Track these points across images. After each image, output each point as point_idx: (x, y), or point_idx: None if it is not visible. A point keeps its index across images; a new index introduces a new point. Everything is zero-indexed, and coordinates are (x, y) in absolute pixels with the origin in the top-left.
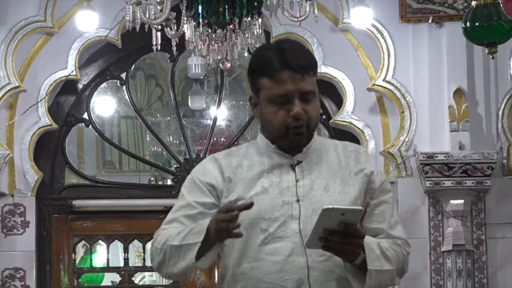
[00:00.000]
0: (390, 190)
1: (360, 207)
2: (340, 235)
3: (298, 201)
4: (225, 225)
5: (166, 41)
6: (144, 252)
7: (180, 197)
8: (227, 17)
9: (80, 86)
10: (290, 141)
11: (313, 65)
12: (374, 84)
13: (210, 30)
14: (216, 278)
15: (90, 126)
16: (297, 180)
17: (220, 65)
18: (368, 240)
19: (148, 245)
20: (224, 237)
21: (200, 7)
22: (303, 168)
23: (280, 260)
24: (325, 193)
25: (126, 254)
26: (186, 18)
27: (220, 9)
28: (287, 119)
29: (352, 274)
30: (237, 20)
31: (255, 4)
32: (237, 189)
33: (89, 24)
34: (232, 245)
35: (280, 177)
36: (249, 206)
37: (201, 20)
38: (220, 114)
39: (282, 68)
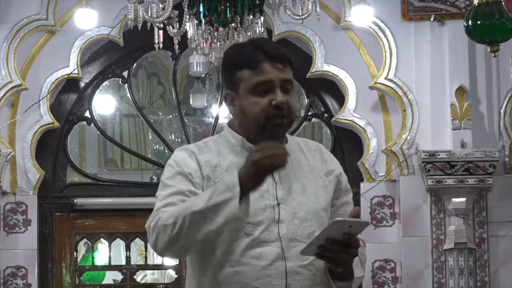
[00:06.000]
0: (351, 190)
1: (367, 221)
2: (341, 245)
3: (278, 204)
4: (271, 160)
5: (168, 39)
6: (146, 251)
7: (165, 187)
8: (228, 15)
9: (82, 84)
10: (269, 132)
11: (291, 58)
12: (376, 83)
13: (212, 29)
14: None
15: (92, 124)
16: (275, 183)
17: None
18: None
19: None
20: (265, 177)
21: (201, 5)
22: (279, 170)
23: (266, 265)
24: (303, 195)
25: (128, 252)
26: (188, 17)
27: (222, 7)
28: (268, 108)
29: (335, 280)
30: (238, 18)
31: (257, 2)
32: None
33: (87, 22)
34: (213, 247)
35: None
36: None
37: (202, 18)
38: (222, 112)
39: (263, 58)
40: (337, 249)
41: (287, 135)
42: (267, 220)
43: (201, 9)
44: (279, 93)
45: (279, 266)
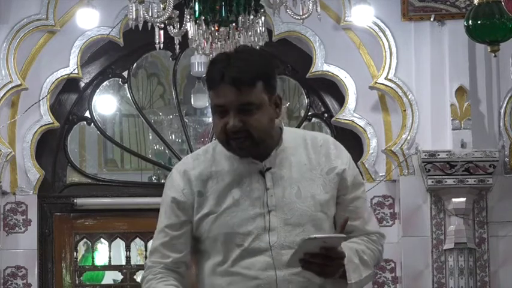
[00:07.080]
0: (362, 183)
1: (342, 235)
2: (321, 258)
3: (269, 211)
4: None
5: (168, 39)
6: (146, 251)
7: (160, 215)
8: (223, 14)
9: (82, 84)
10: (235, 152)
11: (256, 75)
12: (376, 83)
13: (212, 29)
14: None
15: (92, 124)
16: (267, 189)
17: None
18: (347, 250)
19: (150, 243)
20: None
21: (197, 4)
22: (273, 174)
23: (258, 275)
24: (298, 199)
25: (127, 252)
26: (189, 17)
27: (217, 6)
28: (225, 130)
29: (333, 284)
30: (235, 18)
31: (252, 2)
32: (208, 202)
33: (89, 22)
34: (207, 256)
35: (250, 186)
36: None
37: (197, 17)
38: None
39: (219, 81)
40: (318, 262)
41: (288, 132)
42: (257, 229)
43: (196, 8)
44: (232, 116)
45: (270, 276)
